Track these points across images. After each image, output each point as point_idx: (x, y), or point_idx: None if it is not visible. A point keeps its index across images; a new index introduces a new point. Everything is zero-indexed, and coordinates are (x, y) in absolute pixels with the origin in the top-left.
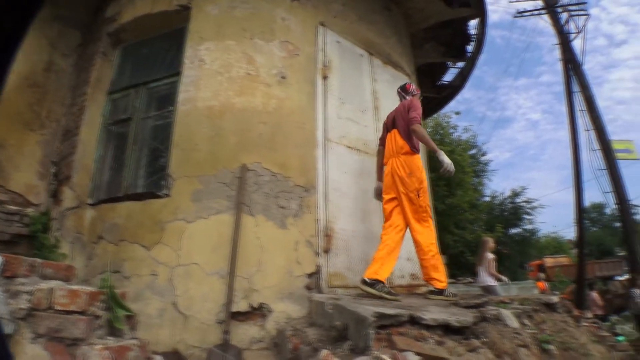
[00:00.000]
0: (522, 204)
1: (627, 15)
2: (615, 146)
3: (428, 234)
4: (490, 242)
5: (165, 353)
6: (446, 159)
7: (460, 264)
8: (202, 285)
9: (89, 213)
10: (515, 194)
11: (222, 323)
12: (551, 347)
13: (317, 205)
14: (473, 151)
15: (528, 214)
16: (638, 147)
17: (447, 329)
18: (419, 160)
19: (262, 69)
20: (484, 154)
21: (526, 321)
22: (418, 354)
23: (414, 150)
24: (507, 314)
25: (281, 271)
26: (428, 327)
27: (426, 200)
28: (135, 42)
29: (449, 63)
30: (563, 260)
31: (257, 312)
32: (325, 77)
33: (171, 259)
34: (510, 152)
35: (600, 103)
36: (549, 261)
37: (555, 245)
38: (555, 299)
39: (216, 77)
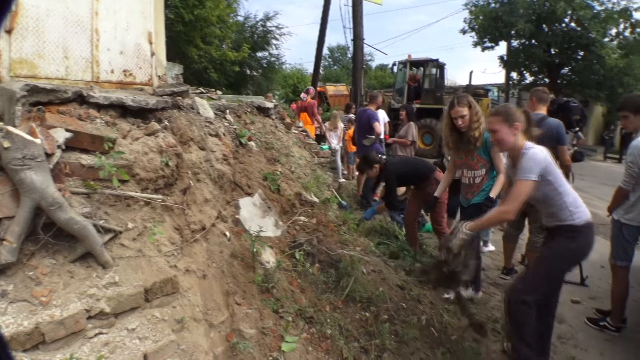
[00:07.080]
0: (272, 28)
1: None
2: None
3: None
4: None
5: None
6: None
7: (203, 80)
8: None
9: None
10: (268, 18)
11: None
12: (251, 143)
13: None
14: None
15: (276, 39)
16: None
17: (125, 112)
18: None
19: None
20: None
21: (230, 117)
22: (72, 131)
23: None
24: (202, 104)
25: None
26: (100, 108)
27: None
28: None
29: None
30: (342, 89)
31: None
32: None
33: None
34: None
35: None
36: (330, 89)
37: (299, 76)
38: (270, 105)
39: None
